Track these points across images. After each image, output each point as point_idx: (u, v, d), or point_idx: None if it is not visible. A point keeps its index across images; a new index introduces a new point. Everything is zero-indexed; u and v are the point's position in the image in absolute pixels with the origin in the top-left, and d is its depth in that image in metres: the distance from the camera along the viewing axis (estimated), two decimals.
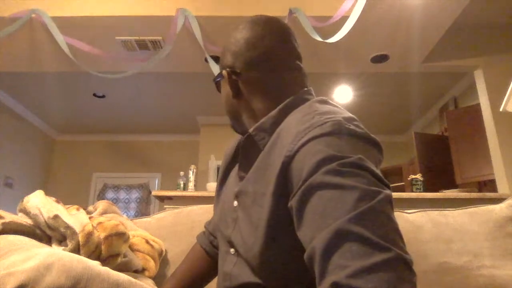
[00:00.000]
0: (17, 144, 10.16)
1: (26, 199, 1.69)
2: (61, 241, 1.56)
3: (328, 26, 5.32)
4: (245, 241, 1.29)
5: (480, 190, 7.26)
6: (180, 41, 5.77)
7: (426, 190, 5.89)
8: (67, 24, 5.65)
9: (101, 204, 2.16)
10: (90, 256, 1.50)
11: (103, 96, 9.55)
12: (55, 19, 5.57)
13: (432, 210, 2.22)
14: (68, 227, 1.52)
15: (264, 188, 1.23)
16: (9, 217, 1.58)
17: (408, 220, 2.16)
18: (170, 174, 11.08)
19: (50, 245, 1.55)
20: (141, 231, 2.16)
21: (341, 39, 5.34)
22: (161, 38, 5.93)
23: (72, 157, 11.91)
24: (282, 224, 1.17)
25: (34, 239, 1.53)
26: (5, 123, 9.60)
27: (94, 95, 9.44)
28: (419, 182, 5.85)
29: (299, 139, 1.13)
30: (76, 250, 1.50)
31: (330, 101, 1.38)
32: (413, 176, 5.96)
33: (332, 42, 5.38)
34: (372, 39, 6.04)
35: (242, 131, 1.53)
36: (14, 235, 1.50)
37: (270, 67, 1.45)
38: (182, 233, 2.28)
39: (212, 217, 1.85)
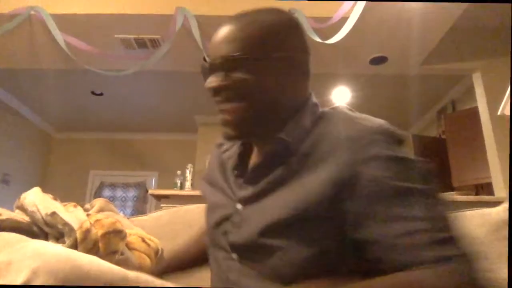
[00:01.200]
0: (14, 141, 10.13)
1: (23, 196, 1.69)
2: (58, 238, 1.56)
3: (327, 27, 5.32)
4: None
5: (477, 193, 7.25)
6: (179, 40, 5.76)
7: None
8: (66, 21, 5.64)
9: (98, 202, 2.16)
10: (88, 253, 1.50)
11: (101, 94, 9.52)
12: (54, 16, 5.57)
13: None
14: (66, 224, 1.52)
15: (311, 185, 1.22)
16: (6, 214, 1.58)
17: None
18: (167, 173, 11.01)
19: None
20: (138, 230, 2.16)
21: (339, 40, 5.34)
22: (159, 36, 5.93)
23: (69, 154, 11.86)
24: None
25: (31, 236, 1.53)
26: (3, 120, 9.58)
27: (92, 93, 9.41)
28: None
29: (365, 147, 1.19)
30: (74, 247, 1.50)
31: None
32: None
33: (331, 43, 5.38)
34: (371, 41, 6.04)
35: (265, 134, 1.40)
36: (9, 233, 1.49)
37: (304, 67, 1.41)
38: (179, 232, 2.28)
39: None
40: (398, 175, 1.13)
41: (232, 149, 1.57)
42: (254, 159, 1.46)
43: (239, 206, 1.38)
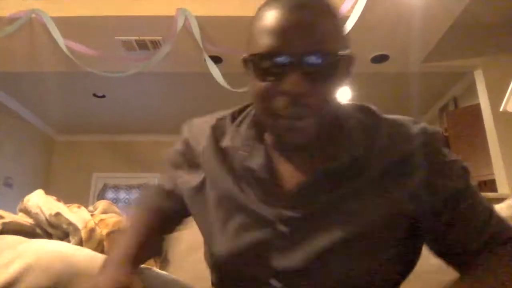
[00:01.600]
0: (16, 144, 10.11)
1: (26, 198, 1.69)
2: (62, 239, 1.56)
3: None
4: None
5: (480, 190, 7.24)
6: (180, 41, 5.76)
7: None
8: (67, 24, 5.65)
9: (101, 204, 2.16)
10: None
11: (103, 96, 9.51)
12: (55, 19, 5.57)
13: None
14: (70, 223, 1.52)
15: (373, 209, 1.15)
16: (9, 217, 1.58)
17: None
18: None
19: None
20: None
21: None
22: (161, 38, 5.93)
23: (72, 157, 11.85)
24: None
25: (35, 238, 1.53)
26: (4, 123, 9.57)
27: (94, 95, 9.39)
28: None
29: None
30: (79, 246, 1.50)
31: None
32: None
33: None
34: (372, 39, 6.03)
35: (327, 151, 1.21)
36: (12, 236, 1.49)
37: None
38: (182, 234, 2.27)
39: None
40: (467, 178, 1.31)
41: (254, 158, 1.26)
42: (296, 174, 1.23)
43: (283, 228, 1.17)
